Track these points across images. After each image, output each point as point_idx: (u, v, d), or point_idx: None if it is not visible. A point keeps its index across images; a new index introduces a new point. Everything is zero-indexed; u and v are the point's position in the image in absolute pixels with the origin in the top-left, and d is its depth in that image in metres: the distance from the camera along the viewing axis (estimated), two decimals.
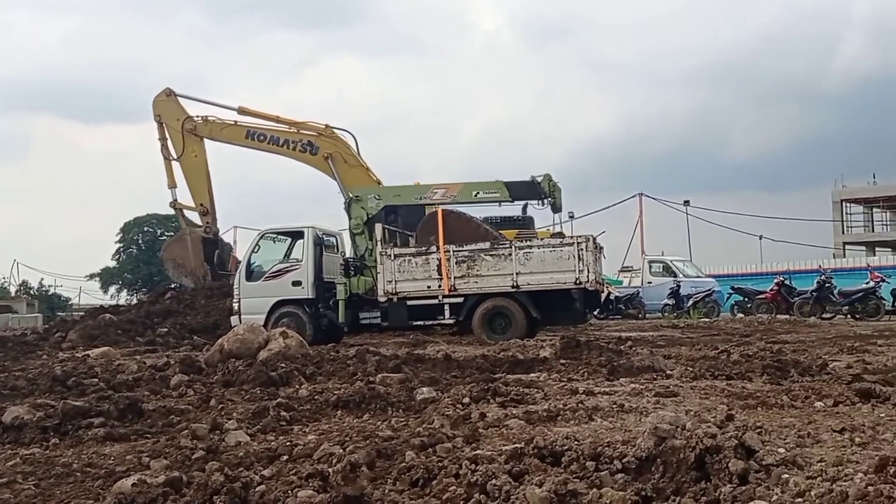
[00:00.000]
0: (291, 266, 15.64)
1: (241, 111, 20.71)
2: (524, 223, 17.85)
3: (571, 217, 36.57)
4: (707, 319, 22.98)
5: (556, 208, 16.81)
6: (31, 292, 46.91)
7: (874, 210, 53.81)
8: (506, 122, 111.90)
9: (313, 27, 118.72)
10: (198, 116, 21.01)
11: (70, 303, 49.75)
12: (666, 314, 26.03)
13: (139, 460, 4.36)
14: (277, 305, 15.38)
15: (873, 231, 53.87)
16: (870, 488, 2.77)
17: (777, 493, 2.95)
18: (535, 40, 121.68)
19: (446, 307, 14.98)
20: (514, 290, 14.68)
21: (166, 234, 44.27)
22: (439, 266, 14.91)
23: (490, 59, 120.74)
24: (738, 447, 3.32)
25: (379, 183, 18.49)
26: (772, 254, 42.75)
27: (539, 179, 15.98)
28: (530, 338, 14.10)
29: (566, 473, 3.39)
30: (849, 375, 6.85)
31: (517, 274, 14.62)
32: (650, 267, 30.41)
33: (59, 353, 14.04)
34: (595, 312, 21.40)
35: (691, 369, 7.60)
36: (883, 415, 5.04)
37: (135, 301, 33.43)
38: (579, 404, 5.53)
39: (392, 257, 15.15)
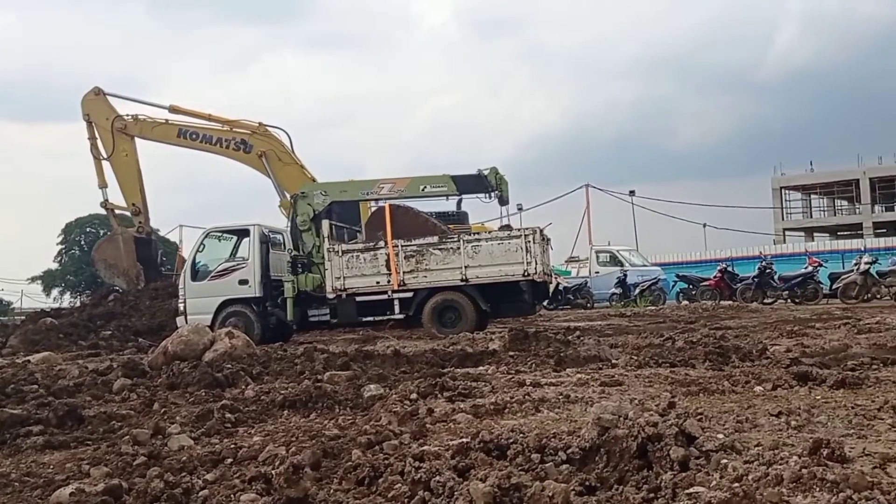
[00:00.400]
0: (238, 265, 15.43)
1: (173, 109, 20.54)
2: (459, 218, 17.92)
3: (520, 209, 36.89)
4: (653, 307, 23.37)
5: (504, 201, 16.88)
6: None
7: (812, 196, 55.38)
8: (453, 116, 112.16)
9: (256, 22, 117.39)
10: (128, 115, 20.78)
11: (11, 307, 48.45)
12: (613, 303, 26.43)
13: (79, 468, 4.24)
14: (224, 305, 15.16)
15: (811, 217, 55.48)
16: (804, 471, 2.84)
17: (716, 479, 3.00)
18: (482, 34, 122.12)
19: (396, 302, 14.96)
20: (463, 283, 14.73)
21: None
22: (388, 261, 14.88)
23: (436, 53, 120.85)
24: (678, 434, 3.37)
25: (314, 180, 18.49)
26: (715, 241, 43.81)
27: (486, 172, 16.02)
28: (480, 330, 14.16)
29: (511, 466, 3.41)
30: (787, 359, 7.02)
31: (466, 267, 14.66)
32: (597, 257, 30.84)
33: None
34: (544, 303, 21.58)
35: (636, 358, 7.71)
36: (819, 397, 5.18)
37: (78, 304, 32.68)
38: (526, 396, 5.56)
39: (340, 253, 15.07)
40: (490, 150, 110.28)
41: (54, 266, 53.60)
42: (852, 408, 4.67)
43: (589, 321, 17.56)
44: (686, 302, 24.22)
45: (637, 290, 26.46)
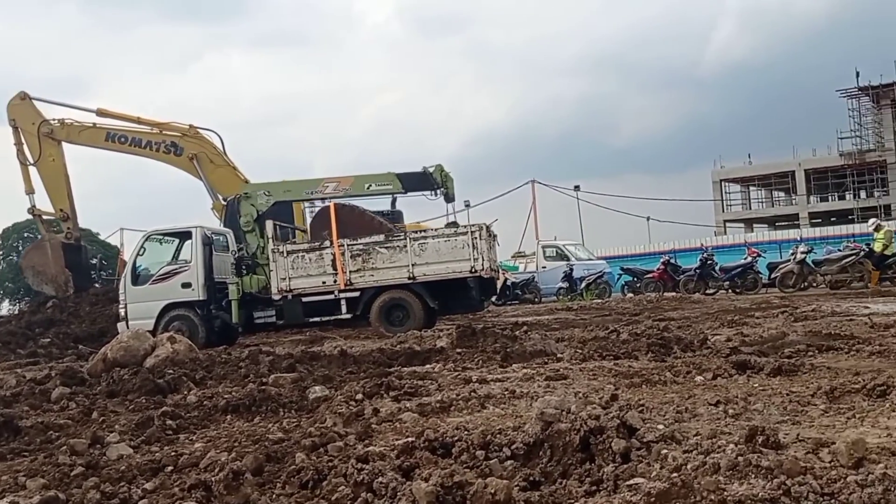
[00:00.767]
0: (180, 268, 15.15)
1: (100, 113, 20.29)
2: (393, 217, 17.91)
3: (467, 206, 37.02)
4: (599, 300, 23.71)
5: (449, 198, 16.89)
6: None
7: (750, 188, 56.73)
8: (398, 114, 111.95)
9: (197, 21, 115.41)
10: (54, 120, 20.45)
11: None
12: (561, 297, 26.69)
13: (15, 480, 4.11)
14: (167, 309, 14.87)
15: (750, 208, 56.86)
16: (740, 458, 2.89)
17: (656, 469, 3.04)
18: (425, 31, 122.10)
19: (343, 302, 14.86)
20: (410, 281, 14.69)
21: None
22: (334, 261, 14.77)
23: (380, 50, 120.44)
24: (620, 427, 3.42)
25: (246, 181, 18.38)
26: (659, 234, 44.62)
27: (431, 170, 16.02)
28: (429, 328, 14.17)
29: (456, 464, 3.41)
30: (727, 349, 7.19)
31: (413, 265, 14.63)
32: (544, 252, 31.08)
33: None
34: (492, 299, 21.69)
35: (581, 351, 7.80)
36: (756, 385, 5.31)
37: (16, 311, 31.72)
38: (472, 393, 5.57)
39: (285, 254, 14.91)
40: (435, 147, 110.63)
41: None
42: (787, 395, 4.80)
43: (536, 316, 17.69)
44: (631, 294, 24.61)
45: (583, 284, 26.79)
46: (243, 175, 19.16)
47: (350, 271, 14.73)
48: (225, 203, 18.30)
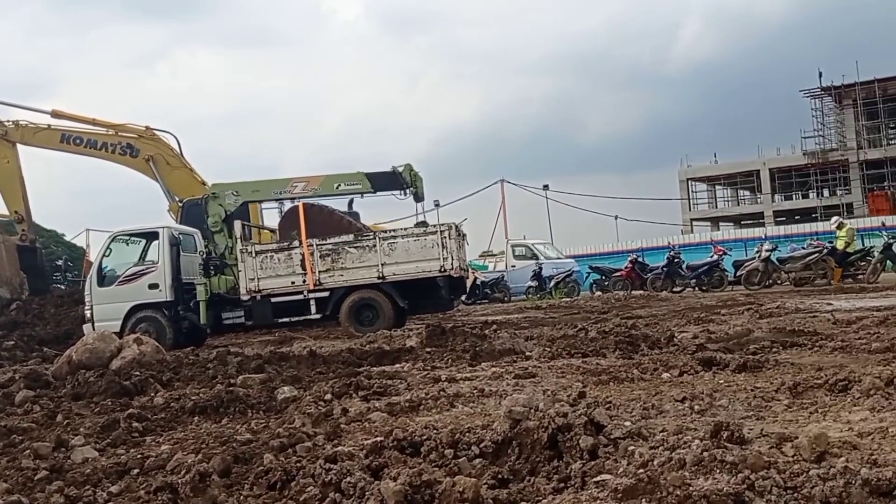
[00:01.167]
0: (147, 268, 14.94)
1: (55, 114, 20.19)
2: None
3: (437, 205, 37.07)
4: (568, 299, 23.83)
5: (419, 198, 16.92)
6: None
7: (716, 187, 57.41)
8: (368, 113, 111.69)
9: (165, 18, 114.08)
10: (9, 121, 20.25)
11: None
12: (530, 296, 26.80)
13: None
14: (134, 310, 14.66)
15: (716, 207, 57.54)
16: (705, 454, 2.93)
17: (623, 465, 3.07)
18: (395, 30, 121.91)
19: (312, 302, 14.79)
20: (380, 281, 14.66)
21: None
22: (303, 261, 14.69)
23: (350, 49, 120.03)
24: (587, 424, 3.45)
25: (204, 184, 18.29)
26: (627, 233, 45.01)
27: (400, 169, 16.02)
28: (398, 328, 14.14)
29: (425, 463, 3.42)
30: (694, 346, 7.28)
31: (382, 265, 14.60)
32: (513, 251, 31.19)
33: None
34: (462, 298, 21.72)
35: (550, 349, 7.85)
36: (721, 381, 5.39)
37: None
38: (441, 392, 5.58)
39: (253, 254, 14.81)
40: (404, 146, 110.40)
41: None
42: (752, 390, 4.87)
43: (506, 314, 17.75)
44: (599, 292, 24.77)
45: (552, 283, 26.93)
46: (200, 177, 19.21)
47: (319, 271, 14.67)
48: (181, 204, 18.23)
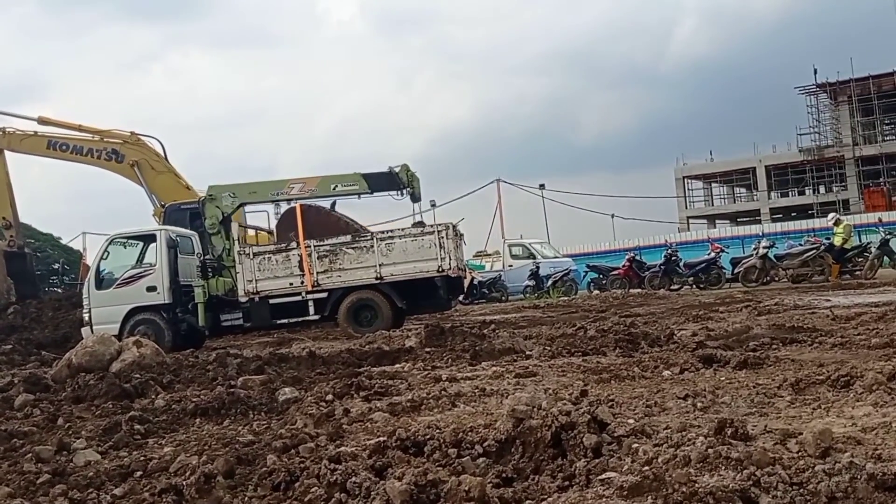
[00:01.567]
0: (145, 271, 14.92)
1: (42, 121, 20.39)
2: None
3: (433, 206, 37.04)
4: (566, 298, 23.82)
5: (416, 198, 16.87)
6: None
7: (713, 185, 57.45)
8: (363, 113, 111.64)
9: (159, 20, 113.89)
10: None
11: None
12: (527, 295, 26.81)
13: None
14: (132, 313, 14.63)
15: (713, 205, 57.60)
16: (710, 450, 2.94)
17: (628, 463, 3.08)
18: (389, 30, 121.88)
19: (310, 303, 14.76)
20: (378, 281, 14.65)
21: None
22: (301, 262, 14.68)
23: (344, 49, 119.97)
24: (591, 422, 3.45)
25: (188, 188, 18.36)
26: (624, 231, 45.12)
27: (397, 170, 15.98)
28: (397, 328, 14.15)
29: (429, 463, 3.41)
30: (693, 343, 7.29)
31: (380, 265, 14.59)
32: (510, 250, 31.19)
33: None
34: (460, 298, 21.71)
35: (550, 348, 7.85)
36: (723, 378, 5.39)
37: None
38: (442, 392, 5.58)
39: (251, 256, 14.79)
40: (400, 146, 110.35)
41: None
42: (754, 387, 4.87)
43: (504, 314, 17.75)
44: (597, 291, 24.78)
45: (550, 282, 26.93)
46: (185, 181, 19.35)
47: (317, 272, 14.65)
48: (163, 209, 18.29)
